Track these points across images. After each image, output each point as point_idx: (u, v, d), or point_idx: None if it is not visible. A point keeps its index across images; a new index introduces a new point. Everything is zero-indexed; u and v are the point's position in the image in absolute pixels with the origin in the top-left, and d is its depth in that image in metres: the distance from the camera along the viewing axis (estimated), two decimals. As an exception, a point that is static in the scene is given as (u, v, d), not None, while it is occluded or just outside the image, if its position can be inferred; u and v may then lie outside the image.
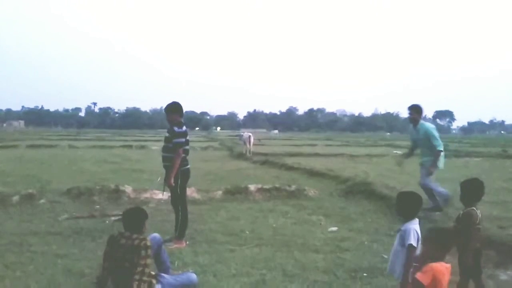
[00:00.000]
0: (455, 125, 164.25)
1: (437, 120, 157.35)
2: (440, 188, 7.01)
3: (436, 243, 2.76)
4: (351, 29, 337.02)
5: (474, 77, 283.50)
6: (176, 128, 5.49)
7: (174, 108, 5.66)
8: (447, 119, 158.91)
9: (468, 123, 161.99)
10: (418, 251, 3.11)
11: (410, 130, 7.49)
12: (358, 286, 4.09)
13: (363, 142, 39.97)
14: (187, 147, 5.61)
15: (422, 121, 7.19)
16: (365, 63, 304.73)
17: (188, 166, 5.72)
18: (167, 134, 5.64)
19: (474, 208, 3.42)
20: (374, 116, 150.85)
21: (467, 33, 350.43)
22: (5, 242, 5.28)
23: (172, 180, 5.42)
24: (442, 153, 7.01)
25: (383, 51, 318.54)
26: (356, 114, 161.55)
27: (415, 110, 7.21)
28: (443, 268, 2.69)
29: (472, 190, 3.51)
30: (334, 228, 6.24)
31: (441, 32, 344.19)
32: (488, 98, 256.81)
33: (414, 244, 3.04)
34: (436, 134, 6.96)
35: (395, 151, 23.91)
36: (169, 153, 5.51)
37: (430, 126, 7.15)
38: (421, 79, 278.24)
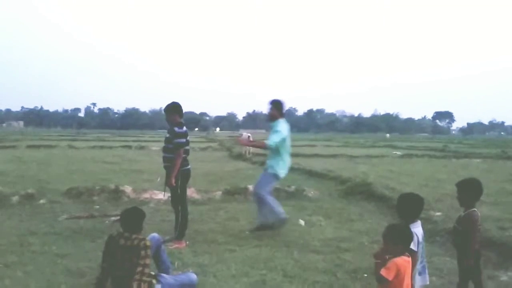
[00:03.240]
0: (454, 126, 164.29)
1: (437, 121, 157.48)
2: (276, 207, 5.93)
3: (395, 239, 2.83)
4: (350, 29, 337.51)
5: (474, 78, 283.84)
6: (176, 129, 5.49)
7: (173, 108, 5.66)
8: (447, 120, 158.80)
9: (468, 124, 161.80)
10: (419, 254, 3.12)
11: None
12: (358, 286, 4.10)
13: (362, 143, 40.01)
14: (187, 147, 5.61)
15: (280, 120, 6.08)
16: (364, 63, 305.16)
17: (189, 167, 5.72)
18: (167, 135, 5.64)
19: (475, 209, 3.41)
20: (374, 117, 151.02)
21: (468, 32, 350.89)
22: (5, 242, 5.27)
23: (173, 181, 5.43)
24: (285, 162, 6.04)
25: (383, 52, 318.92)
26: (356, 114, 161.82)
27: (275, 105, 6.18)
28: (405, 263, 2.78)
29: (470, 190, 3.47)
30: (302, 222, 6.23)
31: (441, 32, 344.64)
32: (488, 99, 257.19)
33: (414, 248, 3.03)
34: (279, 129, 5.88)
35: (394, 152, 23.96)
36: (170, 153, 5.51)
37: (281, 124, 6.01)
38: (421, 80, 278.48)
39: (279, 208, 5.95)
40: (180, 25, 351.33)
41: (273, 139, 5.84)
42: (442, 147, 30.33)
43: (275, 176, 6.03)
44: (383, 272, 2.73)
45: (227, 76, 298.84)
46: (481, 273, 3.59)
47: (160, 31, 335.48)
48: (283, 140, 5.95)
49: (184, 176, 5.62)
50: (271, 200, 5.97)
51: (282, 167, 6.03)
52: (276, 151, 5.96)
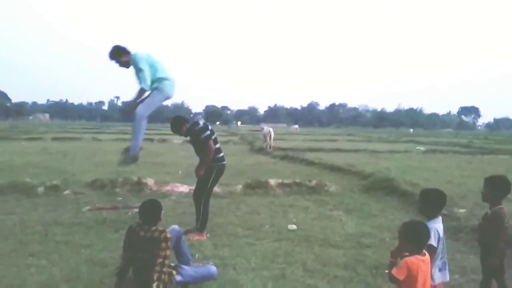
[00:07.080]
0: (480, 121, 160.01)
1: (462, 116, 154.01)
2: (138, 138, 5.62)
3: (410, 238, 2.75)
4: (375, 23, 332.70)
5: (501, 72, 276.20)
6: (195, 128, 5.47)
7: (178, 123, 5.52)
8: (473, 116, 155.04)
9: (495, 119, 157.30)
10: (439, 251, 3.06)
11: None
12: (379, 282, 4.05)
13: (385, 138, 39.45)
14: (214, 136, 5.51)
15: (132, 55, 5.53)
16: (388, 58, 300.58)
17: (224, 162, 5.69)
18: (190, 138, 5.60)
19: (502, 207, 3.32)
20: (397, 112, 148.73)
21: (493, 28, 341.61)
22: (30, 231, 5.41)
23: (202, 172, 5.42)
24: (169, 82, 5.63)
25: (406, 46, 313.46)
26: (379, 109, 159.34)
27: (116, 54, 5.55)
28: (419, 262, 2.70)
29: (498, 187, 3.38)
30: (294, 227, 6.03)
31: (466, 27, 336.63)
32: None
33: (434, 244, 2.98)
34: (140, 67, 5.39)
35: (418, 147, 23.55)
36: (203, 152, 5.49)
37: (138, 59, 5.47)
38: (446, 74, 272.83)
39: (138, 141, 5.66)
40: (202, 19, 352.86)
41: (144, 81, 5.52)
42: (467, 143, 29.63)
43: (164, 96, 5.78)
44: (394, 271, 2.68)
45: (248, 70, 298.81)
46: (505, 272, 3.51)
47: (181, 24, 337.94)
48: (151, 69, 5.57)
49: (219, 172, 5.62)
50: (142, 127, 5.61)
51: (169, 86, 5.78)
52: (155, 80, 5.68)
